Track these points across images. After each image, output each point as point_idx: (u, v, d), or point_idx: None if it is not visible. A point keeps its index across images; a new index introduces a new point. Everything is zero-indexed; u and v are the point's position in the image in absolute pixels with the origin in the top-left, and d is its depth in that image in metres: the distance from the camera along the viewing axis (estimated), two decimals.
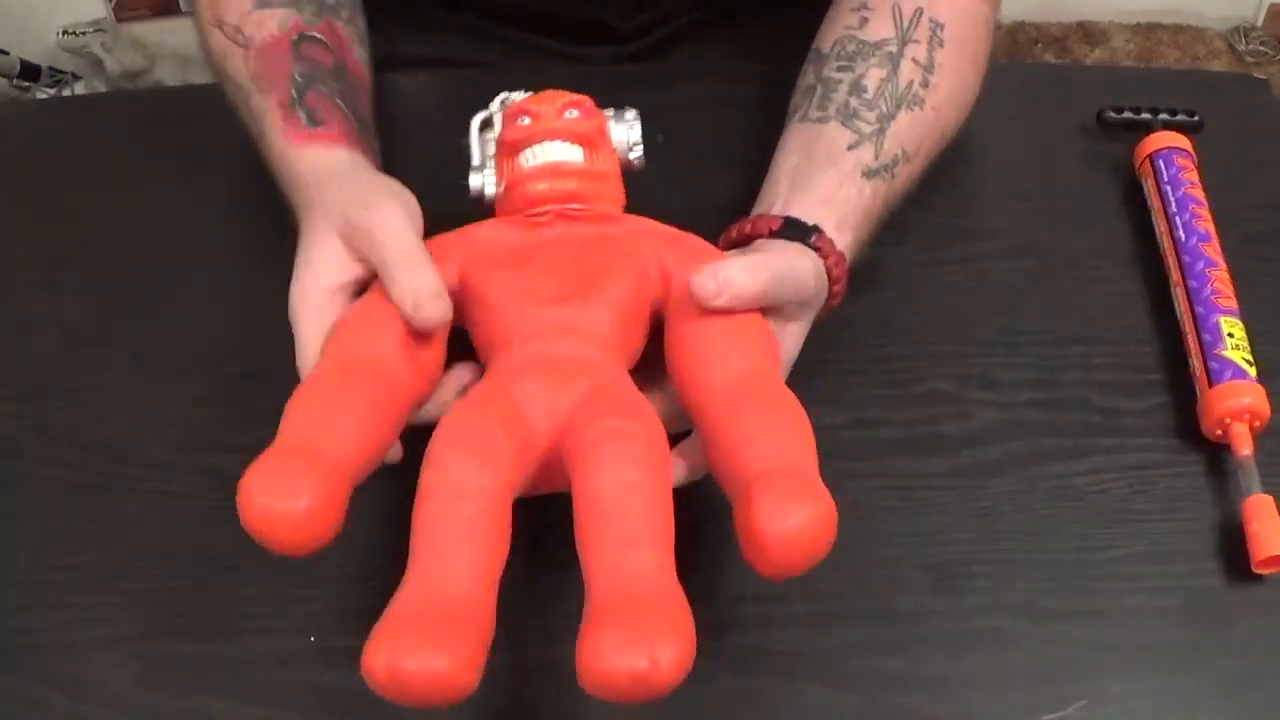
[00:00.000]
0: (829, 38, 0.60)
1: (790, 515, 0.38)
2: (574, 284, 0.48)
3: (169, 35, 1.83)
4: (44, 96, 1.72)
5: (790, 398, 0.44)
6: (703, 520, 0.52)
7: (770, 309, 0.49)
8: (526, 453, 0.44)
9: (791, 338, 0.50)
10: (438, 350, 0.49)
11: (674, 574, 0.40)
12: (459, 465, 0.42)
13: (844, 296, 0.53)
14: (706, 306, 0.46)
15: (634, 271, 0.49)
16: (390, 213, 0.48)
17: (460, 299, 0.49)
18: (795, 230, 0.51)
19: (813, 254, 0.51)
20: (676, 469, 0.46)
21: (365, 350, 0.46)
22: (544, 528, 0.52)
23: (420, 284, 0.46)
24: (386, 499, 0.53)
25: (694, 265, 0.47)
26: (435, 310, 0.46)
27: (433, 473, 0.42)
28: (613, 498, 0.41)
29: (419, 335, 0.47)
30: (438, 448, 0.43)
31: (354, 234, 0.48)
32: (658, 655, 0.36)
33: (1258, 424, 0.52)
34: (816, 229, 0.51)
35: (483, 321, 0.49)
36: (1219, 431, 0.52)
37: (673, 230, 0.51)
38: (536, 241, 0.50)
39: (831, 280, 0.51)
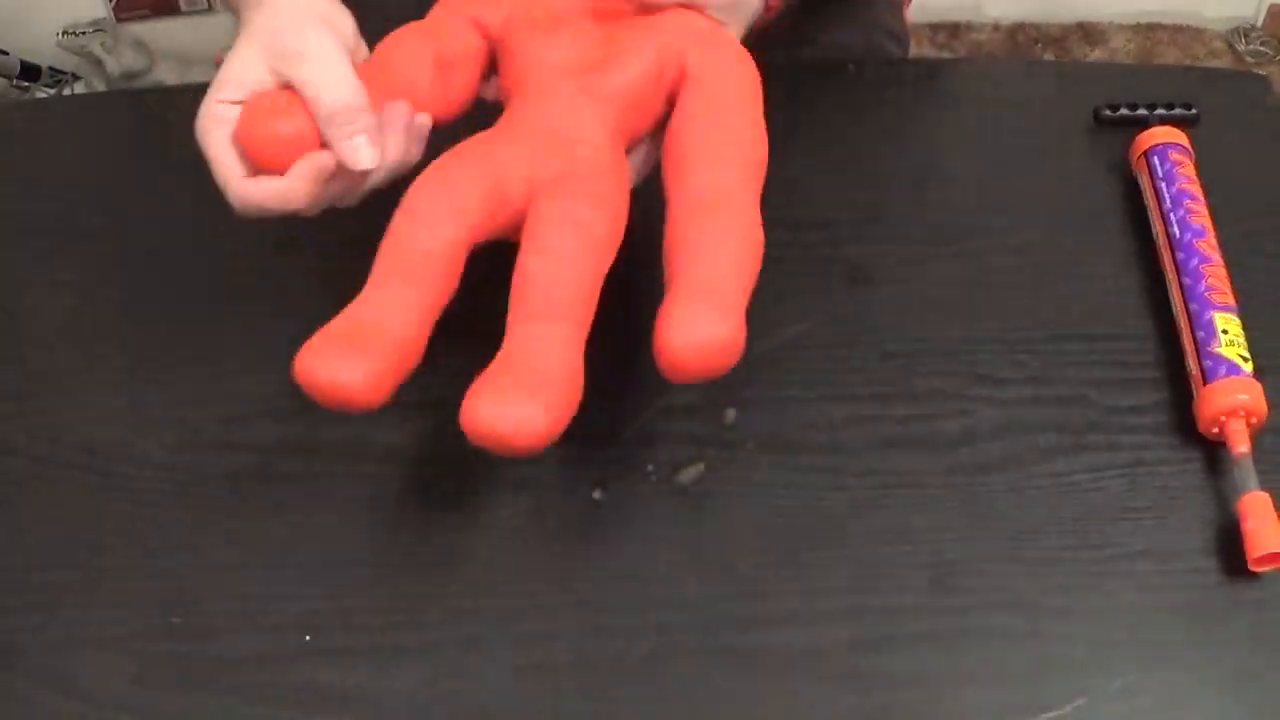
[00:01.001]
0: None
1: (687, 331, 0.42)
2: (591, 59, 0.51)
3: (169, 35, 1.83)
4: (44, 96, 1.73)
5: (745, 218, 0.47)
6: (700, 520, 0.52)
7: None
8: (496, 211, 0.47)
9: None
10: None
11: (579, 352, 0.45)
12: (426, 208, 0.47)
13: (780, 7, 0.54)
14: None
15: (652, 58, 0.51)
16: (322, 37, 0.49)
17: (497, 47, 0.53)
18: None
19: None
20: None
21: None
22: (546, 536, 0.52)
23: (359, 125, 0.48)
24: (384, 500, 0.53)
25: (715, 65, 0.51)
26: (368, 154, 0.49)
27: (401, 213, 0.47)
28: (542, 271, 0.45)
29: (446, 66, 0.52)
30: (413, 190, 0.47)
31: (283, 56, 0.49)
32: (521, 415, 0.41)
33: (1254, 421, 0.52)
34: None
35: (506, 75, 0.52)
36: (1215, 429, 0.52)
37: (711, 28, 0.53)
38: (580, 8, 0.53)
39: None
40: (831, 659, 0.47)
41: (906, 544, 0.51)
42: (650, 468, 0.53)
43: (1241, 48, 1.90)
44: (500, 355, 0.44)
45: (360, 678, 0.47)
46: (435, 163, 0.49)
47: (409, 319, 0.45)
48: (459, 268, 0.47)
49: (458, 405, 0.56)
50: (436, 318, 0.46)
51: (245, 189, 0.49)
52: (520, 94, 0.51)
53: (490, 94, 0.55)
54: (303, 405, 0.56)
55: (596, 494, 0.52)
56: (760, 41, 0.72)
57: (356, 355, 0.43)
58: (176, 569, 0.51)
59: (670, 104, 0.51)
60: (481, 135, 0.50)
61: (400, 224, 0.46)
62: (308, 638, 0.48)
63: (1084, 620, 0.48)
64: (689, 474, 0.53)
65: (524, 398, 0.42)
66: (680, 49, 0.51)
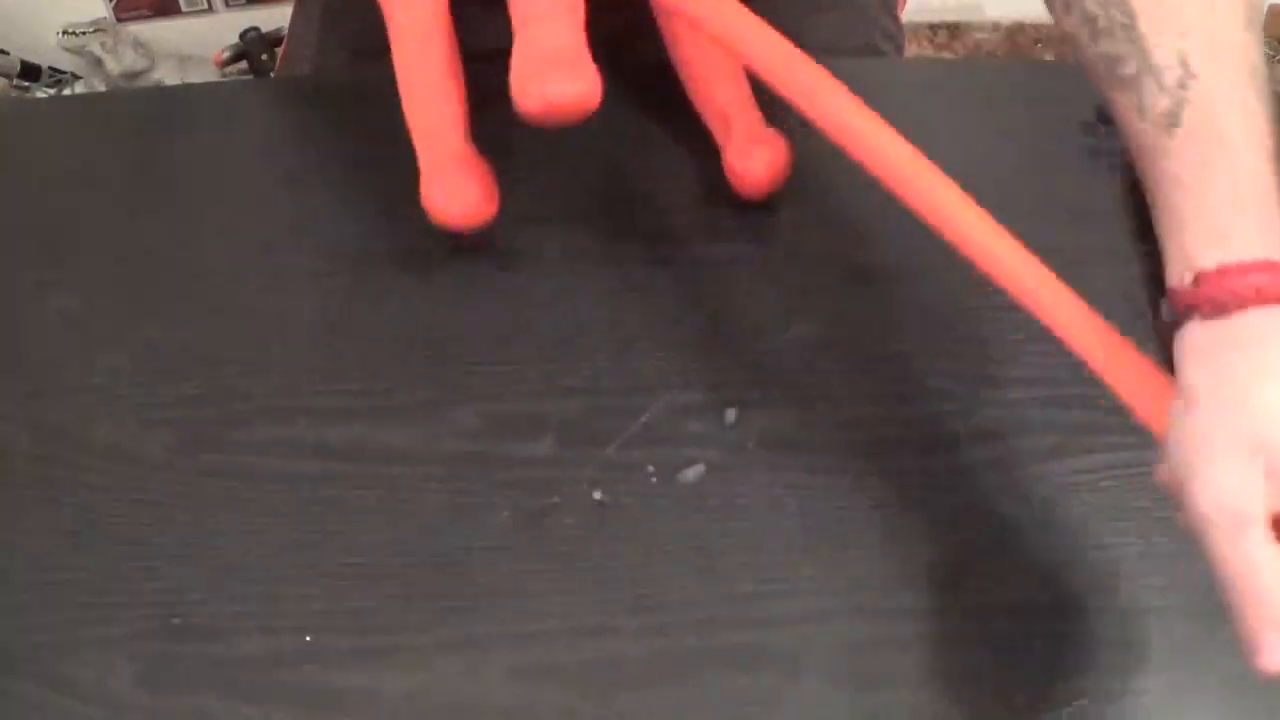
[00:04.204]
0: None
1: None
2: None
3: (169, 35, 1.83)
4: (44, 96, 1.72)
5: None
6: (700, 520, 0.52)
7: None
8: None
9: None
10: None
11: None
12: None
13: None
14: None
15: None
16: None
17: None
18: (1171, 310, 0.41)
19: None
20: None
21: None
22: (546, 537, 0.52)
23: None
24: (384, 501, 0.53)
25: None
26: None
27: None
28: None
29: None
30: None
31: None
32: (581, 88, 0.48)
33: None
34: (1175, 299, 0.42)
35: None
36: None
37: None
38: None
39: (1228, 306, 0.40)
40: (834, 658, 0.47)
41: (907, 544, 0.51)
42: (650, 468, 0.53)
43: None
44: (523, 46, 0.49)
45: (360, 678, 0.47)
46: None
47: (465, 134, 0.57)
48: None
49: (456, 406, 0.56)
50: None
51: None
52: None
53: None
54: (303, 405, 0.56)
55: (597, 494, 0.52)
56: None
57: (466, 179, 0.56)
58: (176, 569, 0.51)
59: None
60: None
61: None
62: (308, 638, 0.48)
63: (1087, 620, 0.48)
64: (689, 474, 0.53)
65: (576, 74, 0.48)
66: None
